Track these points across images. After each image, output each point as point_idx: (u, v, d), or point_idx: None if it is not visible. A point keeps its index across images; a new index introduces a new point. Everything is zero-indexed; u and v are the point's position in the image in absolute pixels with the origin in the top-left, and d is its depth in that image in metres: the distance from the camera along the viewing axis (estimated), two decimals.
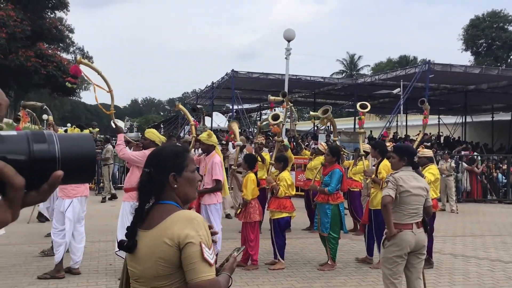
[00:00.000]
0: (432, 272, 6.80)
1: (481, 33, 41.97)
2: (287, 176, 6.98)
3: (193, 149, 8.71)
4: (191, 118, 8.51)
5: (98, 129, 15.54)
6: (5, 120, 8.97)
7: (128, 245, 1.96)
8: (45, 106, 8.95)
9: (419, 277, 4.49)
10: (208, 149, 6.70)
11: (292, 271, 6.73)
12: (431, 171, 7.22)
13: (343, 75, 54.72)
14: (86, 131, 7.72)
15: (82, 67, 6.35)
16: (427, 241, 4.65)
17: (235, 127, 8.50)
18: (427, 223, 4.51)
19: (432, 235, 6.98)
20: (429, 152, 7.69)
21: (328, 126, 21.96)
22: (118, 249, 3.93)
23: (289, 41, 14.51)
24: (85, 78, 6.83)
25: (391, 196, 4.35)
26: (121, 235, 5.25)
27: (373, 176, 6.91)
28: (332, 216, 6.85)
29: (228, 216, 10.79)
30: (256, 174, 7.08)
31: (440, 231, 10.19)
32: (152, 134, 6.37)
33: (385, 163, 6.79)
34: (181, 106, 8.53)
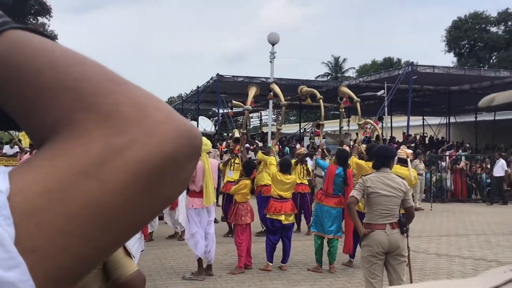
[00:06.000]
0: (417, 272, 6.84)
1: (463, 34, 42.45)
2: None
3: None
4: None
5: None
6: None
7: None
8: None
9: (401, 279, 4.51)
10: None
11: (279, 274, 6.74)
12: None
13: (328, 77, 54.91)
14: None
15: None
16: None
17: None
18: (404, 224, 4.54)
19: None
20: (401, 153, 6.93)
21: (313, 130, 22.10)
22: None
23: (273, 44, 14.59)
24: None
25: (355, 197, 4.55)
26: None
27: None
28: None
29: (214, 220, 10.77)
30: (253, 180, 7.21)
31: (425, 231, 10.30)
32: None
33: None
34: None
